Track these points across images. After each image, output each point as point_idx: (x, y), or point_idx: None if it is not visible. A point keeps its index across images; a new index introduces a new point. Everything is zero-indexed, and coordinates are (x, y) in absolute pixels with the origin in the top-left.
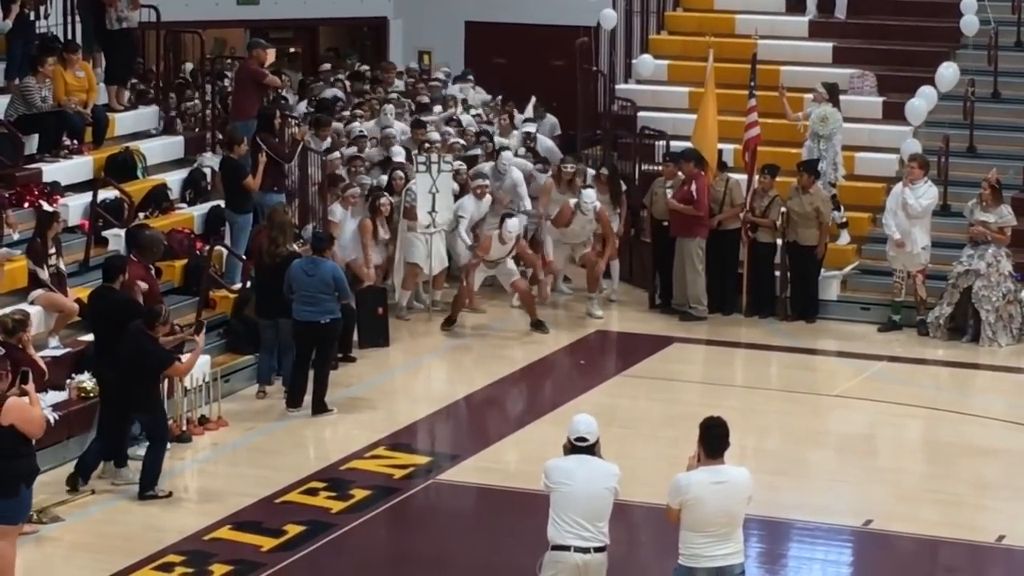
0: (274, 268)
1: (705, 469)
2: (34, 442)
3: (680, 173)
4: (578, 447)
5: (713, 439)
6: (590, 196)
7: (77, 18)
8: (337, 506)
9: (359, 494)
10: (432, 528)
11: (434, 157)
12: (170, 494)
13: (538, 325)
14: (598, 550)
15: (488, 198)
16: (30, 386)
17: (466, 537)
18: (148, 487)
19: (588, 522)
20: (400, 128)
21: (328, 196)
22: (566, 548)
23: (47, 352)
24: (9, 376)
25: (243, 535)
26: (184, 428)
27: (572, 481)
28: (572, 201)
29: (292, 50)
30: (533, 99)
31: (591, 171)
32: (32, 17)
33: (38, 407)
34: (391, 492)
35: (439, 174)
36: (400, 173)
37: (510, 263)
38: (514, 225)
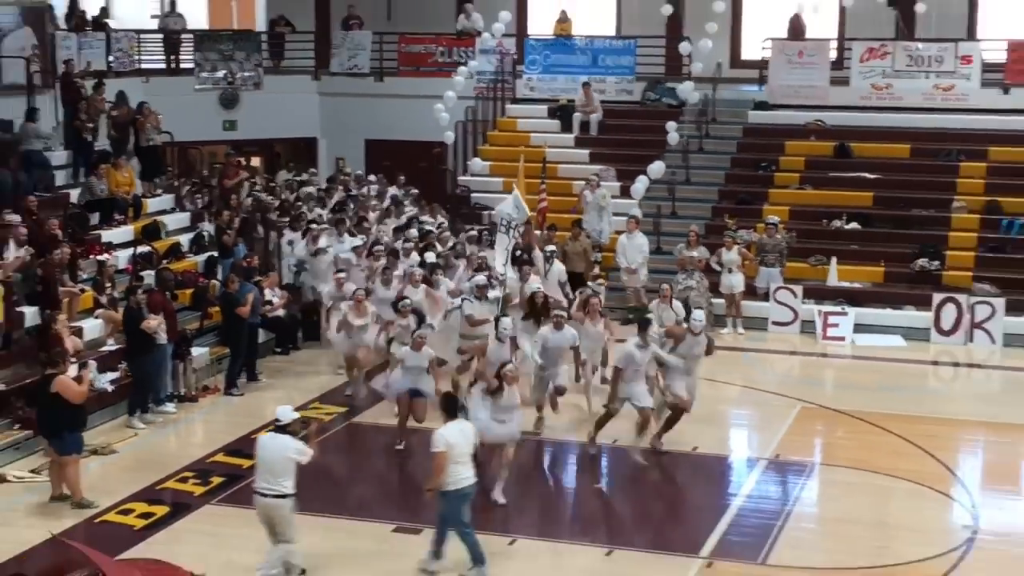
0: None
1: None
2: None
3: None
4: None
5: None
6: (699, 316)
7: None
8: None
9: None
10: None
11: (513, 223)
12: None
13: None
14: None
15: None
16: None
17: None
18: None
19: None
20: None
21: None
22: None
23: (106, 348)
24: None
25: None
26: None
27: None
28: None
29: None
30: (392, 189)
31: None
32: (89, 139)
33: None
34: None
35: (511, 238)
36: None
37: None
38: (508, 324)
